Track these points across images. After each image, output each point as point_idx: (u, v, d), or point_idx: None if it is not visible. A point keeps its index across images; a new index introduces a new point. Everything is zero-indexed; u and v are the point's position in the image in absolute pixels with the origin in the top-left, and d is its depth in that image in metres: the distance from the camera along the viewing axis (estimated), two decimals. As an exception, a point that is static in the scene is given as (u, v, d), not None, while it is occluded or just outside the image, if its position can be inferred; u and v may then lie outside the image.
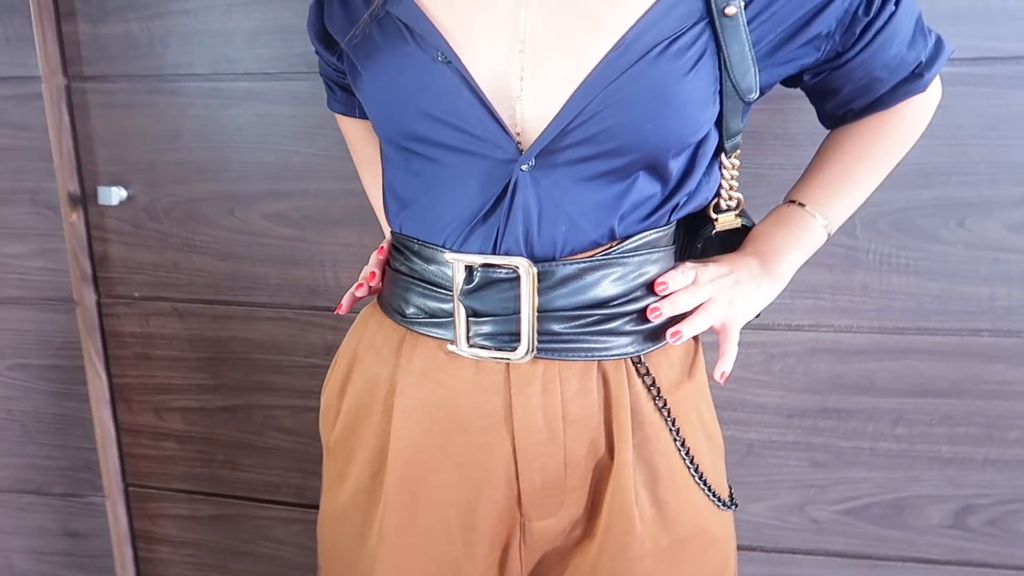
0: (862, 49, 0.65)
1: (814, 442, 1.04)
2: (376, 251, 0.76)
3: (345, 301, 0.77)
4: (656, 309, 0.64)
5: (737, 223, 0.72)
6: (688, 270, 0.67)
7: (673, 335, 0.65)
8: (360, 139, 0.88)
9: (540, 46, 0.61)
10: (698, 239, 0.72)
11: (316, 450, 1.18)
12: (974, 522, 1.03)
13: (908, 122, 0.72)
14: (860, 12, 0.63)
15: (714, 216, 0.71)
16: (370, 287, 0.73)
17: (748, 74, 0.61)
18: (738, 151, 0.69)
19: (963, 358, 0.99)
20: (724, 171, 0.69)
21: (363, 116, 0.82)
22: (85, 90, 1.13)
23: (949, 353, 0.99)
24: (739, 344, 0.76)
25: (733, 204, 0.71)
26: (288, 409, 1.19)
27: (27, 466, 1.26)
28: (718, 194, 0.69)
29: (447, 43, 0.61)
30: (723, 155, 0.67)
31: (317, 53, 0.82)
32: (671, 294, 0.65)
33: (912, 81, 0.68)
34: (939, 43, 0.69)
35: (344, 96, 0.84)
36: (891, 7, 0.64)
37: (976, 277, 0.96)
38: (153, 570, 1.30)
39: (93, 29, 1.10)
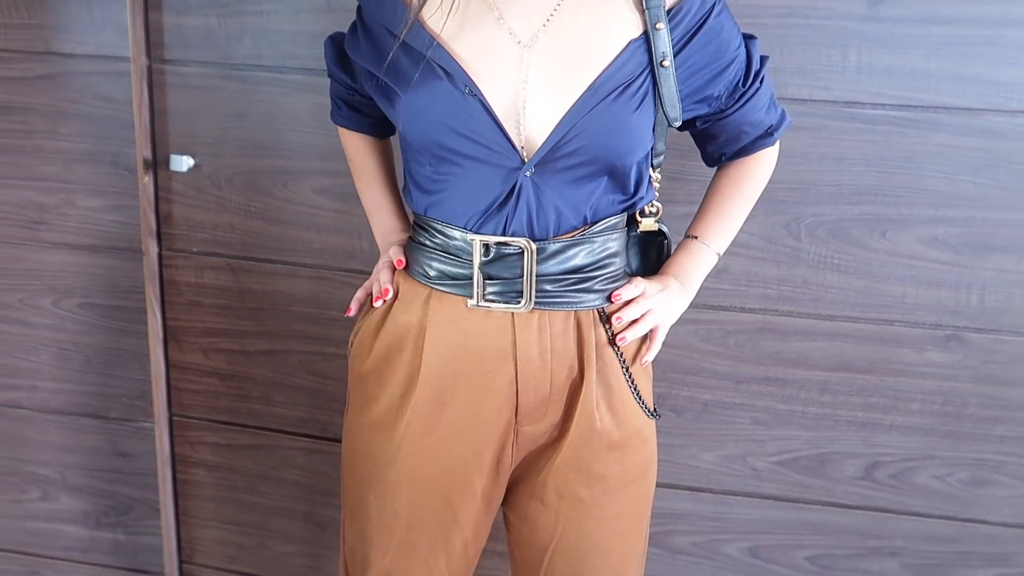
0: (737, 109, 0.92)
1: (757, 404, 1.30)
2: (386, 267, 0.97)
3: (353, 305, 1.00)
4: (619, 319, 0.90)
5: (655, 227, 0.97)
6: (639, 284, 0.92)
7: (620, 339, 0.90)
8: (358, 151, 1.08)
9: (537, 85, 0.84)
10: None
11: (342, 391, 1.41)
12: (880, 475, 1.30)
13: (762, 167, 1.00)
14: (739, 84, 0.91)
15: (640, 219, 0.95)
16: (385, 301, 0.94)
17: (675, 108, 0.87)
18: (660, 168, 0.95)
19: (878, 343, 1.25)
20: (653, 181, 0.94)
21: (363, 131, 1.05)
22: (164, 71, 1.33)
23: (867, 338, 1.25)
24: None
25: (654, 211, 0.96)
26: (321, 355, 1.42)
27: (87, 392, 1.47)
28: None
29: (473, 81, 0.84)
30: (652, 169, 0.93)
31: (331, 76, 1.03)
32: (626, 304, 0.91)
33: (766, 137, 0.97)
34: (784, 114, 0.99)
35: (349, 112, 1.05)
36: (757, 84, 0.92)
37: (892, 278, 1.22)
38: (190, 490, 1.52)
39: (177, 20, 1.31)
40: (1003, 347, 1.23)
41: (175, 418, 1.49)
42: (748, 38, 0.93)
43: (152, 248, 1.40)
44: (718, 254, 1.01)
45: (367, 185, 1.08)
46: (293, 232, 1.37)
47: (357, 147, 1.08)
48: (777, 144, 1.01)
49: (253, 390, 1.46)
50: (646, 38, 0.83)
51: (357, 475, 1.00)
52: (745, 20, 0.98)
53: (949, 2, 1.11)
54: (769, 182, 1.04)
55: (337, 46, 1.01)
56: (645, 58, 0.84)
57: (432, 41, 0.84)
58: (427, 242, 0.91)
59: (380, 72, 0.88)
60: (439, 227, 0.89)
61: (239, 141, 1.34)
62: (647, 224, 0.96)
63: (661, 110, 0.86)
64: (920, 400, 1.27)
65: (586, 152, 0.84)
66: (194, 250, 1.41)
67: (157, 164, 1.37)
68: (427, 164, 0.89)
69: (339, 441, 1.46)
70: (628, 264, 0.98)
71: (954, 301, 1.22)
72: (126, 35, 1.29)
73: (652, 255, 1.00)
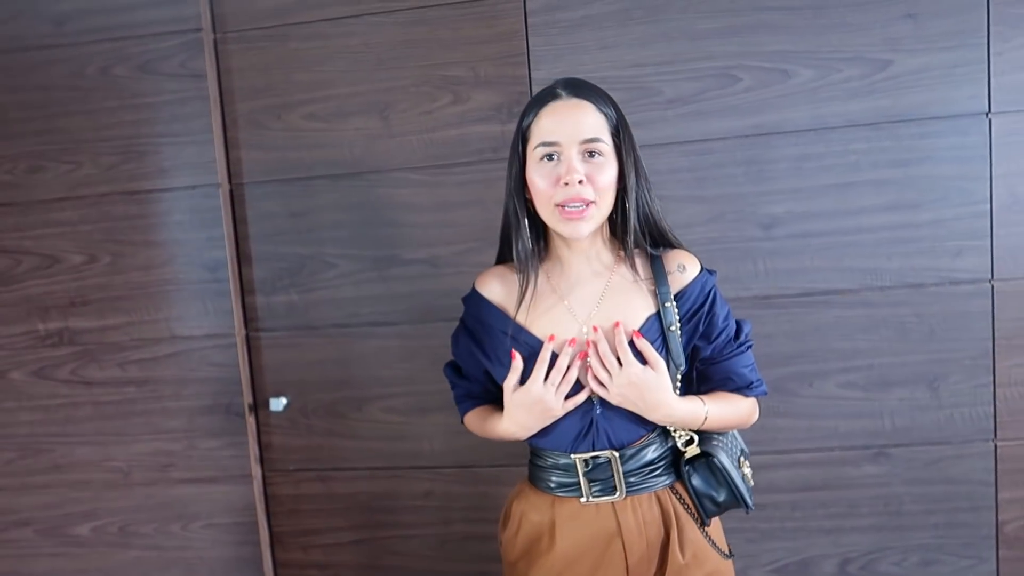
0: (725, 360, 1.26)
1: (746, 526, 1.69)
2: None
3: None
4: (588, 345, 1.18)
5: (698, 451, 1.23)
6: (623, 368, 1.17)
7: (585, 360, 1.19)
8: (482, 415, 1.32)
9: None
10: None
11: (419, 565, 1.78)
12: (851, 569, 1.68)
13: (742, 405, 1.27)
14: (730, 342, 1.26)
15: (683, 449, 1.25)
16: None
17: (679, 358, 1.25)
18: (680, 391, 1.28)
19: (826, 465, 1.66)
20: None
21: (482, 405, 1.33)
22: (259, 337, 1.79)
23: (816, 463, 1.66)
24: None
25: (688, 438, 1.24)
26: (398, 538, 1.79)
27: (213, 598, 1.83)
28: (675, 433, 1.24)
29: (553, 352, 1.23)
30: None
31: (455, 385, 1.34)
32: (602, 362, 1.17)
33: (746, 388, 1.26)
34: (762, 383, 1.28)
35: (471, 404, 1.34)
36: (742, 349, 1.26)
37: (825, 416, 1.65)
38: (300, 668, 1.85)
39: (267, 300, 1.78)
40: (917, 455, 1.65)
41: (284, 608, 1.84)
42: (741, 321, 1.28)
43: (257, 472, 1.81)
44: (706, 416, 1.23)
45: (496, 421, 1.29)
46: (368, 444, 1.78)
47: (481, 413, 1.33)
48: (755, 406, 1.29)
49: (345, 575, 1.82)
50: (659, 314, 1.24)
51: None
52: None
53: (818, 221, 1.62)
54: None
55: (454, 366, 1.36)
56: (659, 326, 1.24)
57: (522, 330, 1.24)
58: (543, 464, 1.30)
59: (489, 355, 1.25)
60: (548, 454, 1.28)
61: (320, 380, 1.78)
62: (692, 451, 1.25)
63: (672, 361, 1.24)
64: (868, 504, 1.67)
65: None
66: (291, 468, 1.81)
67: (258, 406, 1.80)
68: None
69: (421, 608, 1.82)
70: (713, 497, 1.24)
71: (874, 426, 1.65)
72: (231, 316, 1.76)
73: (707, 472, 1.24)
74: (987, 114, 1.57)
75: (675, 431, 1.25)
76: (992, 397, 1.63)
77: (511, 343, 1.23)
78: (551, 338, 1.20)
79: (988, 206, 1.59)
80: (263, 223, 1.76)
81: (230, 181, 1.76)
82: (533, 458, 1.31)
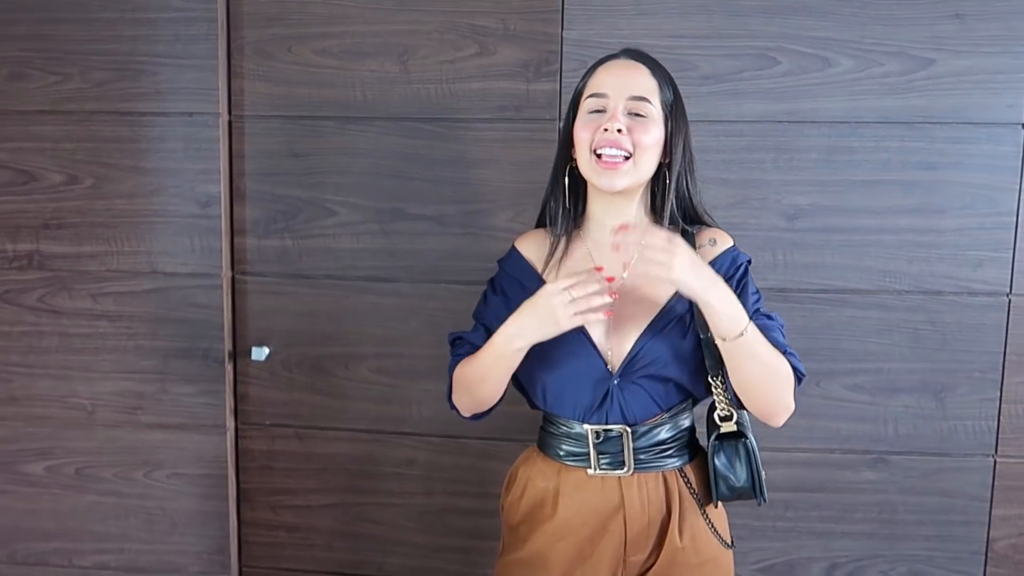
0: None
1: (738, 523, 1.69)
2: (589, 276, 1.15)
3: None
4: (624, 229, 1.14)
5: (734, 428, 1.24)
6: (674, 242, 1.11)
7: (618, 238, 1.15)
8: (469, 357, 1.27)
9: (617, 323, 1.24)
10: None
11: (395, 535, 1.77)
12: (838, 575, 1.70)
13: (782, 362, 1.21)
14: (754, 315, 1.24)
15: (720, 424, 1.24)
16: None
17: (708, 332, 1.24)
18: (720, 377, 1.26)
19: (824, 467, 1.69)
20: (714, 388, 1.27)
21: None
22: (246, 281, 1.75)
23: (815, 464, 1.69)
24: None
25: (728, 415, 1.23)
26: (375, 505, 1.77)
27: (172, 552, 1.79)
28: (715, 406, 1.24)
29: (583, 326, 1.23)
30: (710, 377, 1.26)
31: (473, 339, 1.28)
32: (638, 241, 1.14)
33: (783, 354, 1.22)
34: (797, 360, 1.24)
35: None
36: (768, 320, 1.26)
37: (828, 417, 1.67)
38: (257, 633, 1.82)
39: (258, 242, 1.74)
40: (917, 465, 1.68)
41: (245, 569, 1.81)
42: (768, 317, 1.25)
43: (231, 423, 1.77)
44: (746, 328, 1.15)
45: (490, 342, 1.24)
46: (353, 404, 1.76)
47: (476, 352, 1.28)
48: (791, 375, 1.23)
49: (316, 539, 1.80)
50: None
51: None
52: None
53: (842, 217, 1.63)
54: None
55: (469, 340, 1.30)
56: (687, 303, 1.23)
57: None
58: (555, 431, 1.30)
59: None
60: (562, 422, 1.29)
61: (307, 333, 1.75)
62: (727, 427, 1.25)
63: (699, 334, 1.23)
64: (862, 510, 1.70)
65: (651, 367, 1.24)
66: (267, 423, 1.78)
67: (238, 354, 1.76)
68: (547, 375, 1.27)
69: (393, 579, 1.81)
70: (731, 481, 1.25)
71: (875, 432, 1.68)
72: (218, 256, 1.71)
73: (732, 453, 1.25)
74: (1023, 125, 1.59)
75: (717, 398, 1.24)
76: (997, 412, 1.66)
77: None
78: (599, 268, 1.19)
79: (1014, 218, 1.61)
80: (262, 160, 1.72)
81: (230, 112, 1.71)
82: (545, 424, 1.32)
